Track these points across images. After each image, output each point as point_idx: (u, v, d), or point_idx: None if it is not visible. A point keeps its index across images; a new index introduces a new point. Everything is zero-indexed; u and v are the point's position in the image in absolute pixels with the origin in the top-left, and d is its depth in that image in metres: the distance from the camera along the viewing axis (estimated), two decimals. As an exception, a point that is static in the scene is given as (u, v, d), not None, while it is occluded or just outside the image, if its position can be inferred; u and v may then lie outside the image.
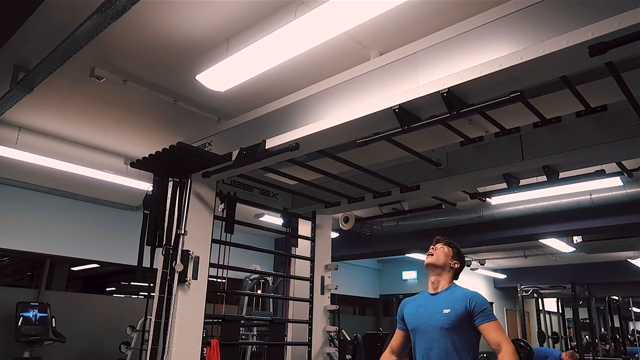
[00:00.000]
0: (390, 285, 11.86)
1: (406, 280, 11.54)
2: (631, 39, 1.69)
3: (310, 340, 4.22)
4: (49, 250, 6.45)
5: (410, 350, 2.55)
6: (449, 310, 2.34)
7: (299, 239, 4.59)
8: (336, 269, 4.58)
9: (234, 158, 3.18)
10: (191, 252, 3.36)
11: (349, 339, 5.71)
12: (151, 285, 3.38)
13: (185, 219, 3.40)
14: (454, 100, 2.23)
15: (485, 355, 10.60)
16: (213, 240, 3.61)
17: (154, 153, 3.23)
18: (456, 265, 2.53)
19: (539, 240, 7.93)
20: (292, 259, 4.65)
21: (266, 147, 2.99)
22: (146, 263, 3.36)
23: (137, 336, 5.44)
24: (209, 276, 3.52)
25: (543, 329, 9.84)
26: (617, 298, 10.20)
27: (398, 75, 2.46)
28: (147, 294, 3.63)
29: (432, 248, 2.56)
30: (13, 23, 2.76)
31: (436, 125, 2.56)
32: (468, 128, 3.70)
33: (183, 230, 3.37)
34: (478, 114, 2.31)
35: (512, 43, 2.02)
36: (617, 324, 10.54)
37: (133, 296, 8.54)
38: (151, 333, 3.19)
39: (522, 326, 10.10)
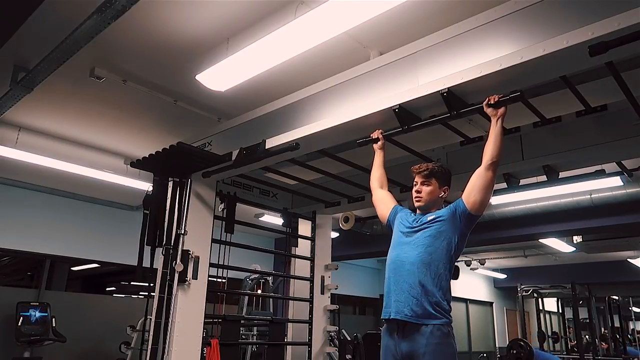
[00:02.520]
0: (390, 285, 11.83)
1: (406, 280, 11.52)
2: (631, 39, 1.69)
3: (310, 340, 4.22)
4: (49, 250, 6.45)
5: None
6: (433, 216, 2.29)
7: (299, 239, 4.59)
8: (336, 269, 4.58)
9: (234, 158, 3.18)
10: (191, 252, 3.36)
11: (349, 338, 5.70)
12: (151, 285, 3.38)
13: (185, 219, 3.40)
14: (454, 100, 2.23)
15: (485, 355, 10.62)
16: (213, 240, 3.61)
17: (154, 153, 3.23)
18: (447, 191, 2.41)
19: (539, 240, 7.93)
20: (292, 259, 4.65)
21: (266, 147, 2.99)
22: (146, 263, 3.36)
23: (137, 336, 5.44)
24: (209, 276, 3.52)
25: (543, 328, 9.82)
26: (617, 298, 10.19)
27: (398, 75, 2.46)
28: (147, 293, 3.63)
29: (415, 190, 2.39)
30: (13, 23, 2.76)
31: (436, 125, 2.56)
32: (468, 128, 3.70)
33: (183, 230, 3.37)
34: (478, 113, 2.31)
35: (512, 43, 2.02)
36: (617, 324, 10.52)
37: (133, 296, 8.54)
38: (151, 333, 3.19)
39: (522, 326, 10.08)
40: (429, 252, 2.21)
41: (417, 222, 2.35)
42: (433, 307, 2.12)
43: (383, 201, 2.63)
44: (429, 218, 2.31)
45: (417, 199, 2.39)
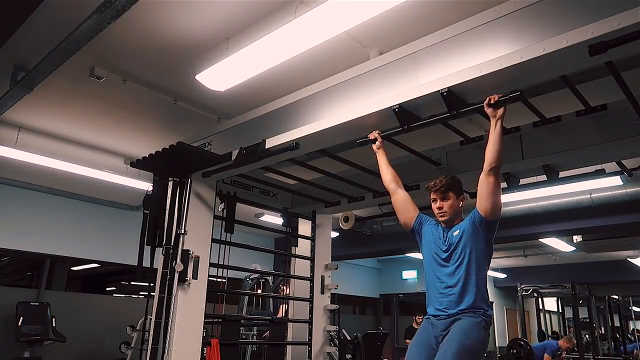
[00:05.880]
0: (390, 285, 11.85)
1: (406, 279, 11.54)
2: (631, 38, 1.69)
3: (310, 339, 4.22)
4: (49, 250, 6.45)
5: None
6: (458, 231, 2.36)
7: (299, 239, 4.59)
8: (336, 269, 4.59)
9: (233, 158, 3.18)
10: (191, 252, 3.36)
11: (349, 338, 5.70)
12: (151, 285, 3.38)
13: (185, 219, 3.41)
14: (453, 99, 2.24)
15: (485, 354, 10.62)
16: (213, 240, 3.61)
17: (154, 153, 3.23)
18: (463, 200, 2.49)
19: (539, 240, 7.93)
20: (292, 259, 4.65)
21: (266, 147, 2.99)
22: (146, 263, 3.36)
23: (137, 336, 5.44)
24: (209, 276, 3.52)
25: (543, 328, 9.85)
26: (617, 297, 10.20)
27: (398, 75, 2.46)
28: (147, 293, 3.63)
29: (437, 207, 2.45)
30: (13, 23, 2.76)
31: (436, 125, 2.56)
32: (468, 127, 3.70)
33: (183, 230, 3.37)
34: (478, 113, 2.31)
35: (512, 42, 2.02)
36: (617, 323, 10.54)
37: (133, 296, 8.54)
38: (151, 333, 3.19)
39: (522, 325, 10.11)
40: (465, 273, 2.30)
41: (446, 242, 2.41)
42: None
43: (404, 204, 2.63)
44: (455, 233, 2.37)
45: (440, 215, 2.45)
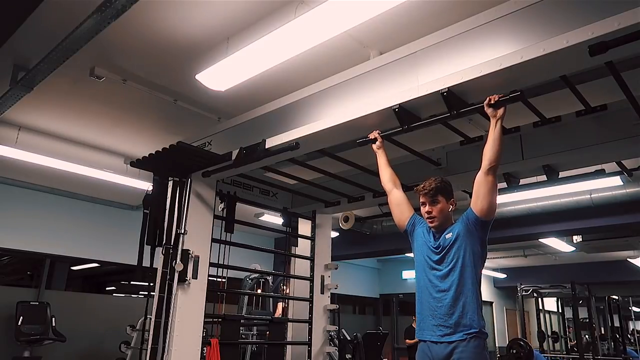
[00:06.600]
0: (390, 285, 11.86)
1: (406, 279, 11.55)
2: (631, 39, 1.69)
3: (310, 339, 4.22)
4: (49, 249, 6.46)
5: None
6: (451, 234, 2.31)
7: (298, 239, 4.59)
8: (336, 269, 4.58)
9: (233, 157, 3.18)
10: (191, 252, 3.35)
11: (349, 338, 5.70)
12: (151, 284, 3.38)
13: (185, 219, 3.40)
14: (454, 99, 2.23)
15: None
16: (213, 240, 3.61)
17: (153, 152, 3.23)
18: (454, 203, 2.43)
19: (539, 240, 7.93)
20: (292, 259, 4.65)
21: (266, 147, 2.99)
22: (146, 262, 3.36)
23: (137, 335, 5.44)
24: (209, 275, 3.52)
25: (543, 328, 9.83)
26: (616, 297, 10.20)
27: (398, 75, 2.46)
28: (147, 293, 3.62)
29: (426, 212, 2.40)
30: (13, 23, 2.76)
31: (436, 125, 2.56)
32: (468, 127, 3.70)
33: (183, 230, 3.37)
34: (478, 113, 2.31)
35: (512, 42, 2.02)
36: (617, 324, 10.54)
37: (133, 295, 8.54)
38: (151, 332, 3.19)
39: (521, 326, 10.10)
40: (459, 276, 2.24)
41: (438, 245, 2.35)
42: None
43: (399, 205, 2.60)
44: (447, 236, 2.32)
45: (430, 220, 2.39)
